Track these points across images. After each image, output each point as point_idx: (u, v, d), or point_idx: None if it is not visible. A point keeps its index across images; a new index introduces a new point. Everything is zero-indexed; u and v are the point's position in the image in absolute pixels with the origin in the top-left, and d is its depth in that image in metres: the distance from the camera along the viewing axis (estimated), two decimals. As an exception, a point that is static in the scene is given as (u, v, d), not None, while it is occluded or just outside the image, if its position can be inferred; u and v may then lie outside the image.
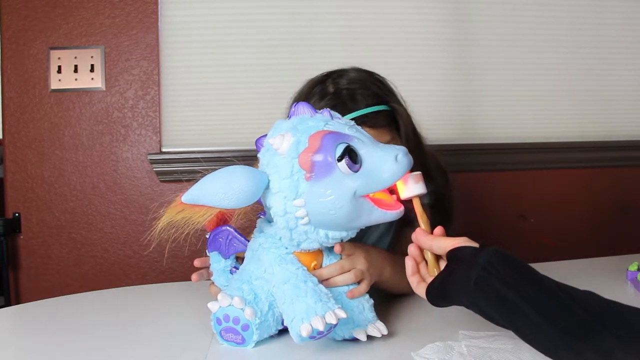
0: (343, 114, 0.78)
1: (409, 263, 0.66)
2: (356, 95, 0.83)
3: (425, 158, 0.91)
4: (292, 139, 0.61)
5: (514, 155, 1.70)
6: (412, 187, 0.64)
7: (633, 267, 0.94)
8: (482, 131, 1.71)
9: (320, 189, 0.60)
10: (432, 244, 0.63)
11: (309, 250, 0.67)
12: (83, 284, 1.54)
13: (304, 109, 0.66)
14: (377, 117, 0.83)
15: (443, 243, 0.62)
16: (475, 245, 0.60)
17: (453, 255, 0.60)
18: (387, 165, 0.60)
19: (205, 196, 0.61)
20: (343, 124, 0.64)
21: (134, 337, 0.72)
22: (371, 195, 0.62)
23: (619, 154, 1.75)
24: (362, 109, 0.82)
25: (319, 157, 0.60)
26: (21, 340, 0.74)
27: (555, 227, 1.71)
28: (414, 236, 0.66)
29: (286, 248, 0.67)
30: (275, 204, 0.62)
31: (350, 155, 0.60)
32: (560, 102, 1.74)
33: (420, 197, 0.65)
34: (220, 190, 0.61)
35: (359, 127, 0.66)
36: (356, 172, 0.60)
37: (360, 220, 0.63)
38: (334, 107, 0.79)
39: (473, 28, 1.68)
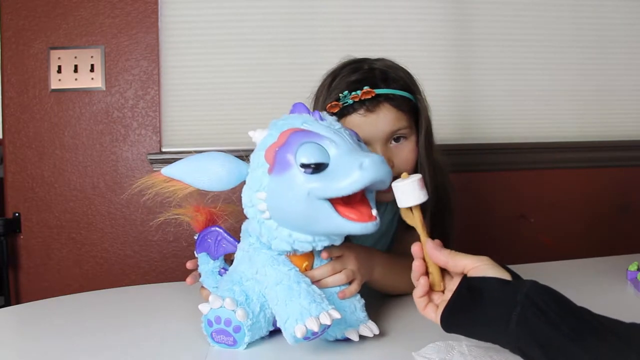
0: (372, 87, 0.82)
1: (421, 282, 0.59)
2: (389, 76, 0.86)
3: (433, 168, 0.92)
4: (266, 133, 0.63)
5: (514, 155, 1.70)
6: (412, 195, 0.58)
7: (633, 267, 0.94)
8: (482, 131, 1.70)
9: (278, 184, 0.60)
10: (447, 260, 0.57)
11: (284, 252, 0.66)
12: (83, 284, 1.54)
13: (300, 108, 0.66)
14: (402, 102, 0.86)
15: (461, 262, 0.56)
16: (503, 271, 0.54)
17: (477, 285, 0.54)
18: (349, 171, 0.56)
19: (183, 173, 0.65)
20: (324, 126, 0.62)
21: (134, 337, 0.72)
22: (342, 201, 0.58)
23: (619, 154, 1.75)
24: (391, 89, 0.85)
25: (280, 153, 0.60)
26: (21, 340, 0.74)
27: (555, 227, 1.71)
28: (427, 248, 0.59)
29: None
30: (244, 194, 0.64)
31: None
32: (560, 102, 1.74)
33: (421, 206, 0.59)
34: (196, 170, 0.64)
35: (343, 132, 0.62)
36: (317, 173, 0.58)
37: (320, 225, 0.59)
38: (363, 80, 0.84)
39: (473, 28, 1.68)
